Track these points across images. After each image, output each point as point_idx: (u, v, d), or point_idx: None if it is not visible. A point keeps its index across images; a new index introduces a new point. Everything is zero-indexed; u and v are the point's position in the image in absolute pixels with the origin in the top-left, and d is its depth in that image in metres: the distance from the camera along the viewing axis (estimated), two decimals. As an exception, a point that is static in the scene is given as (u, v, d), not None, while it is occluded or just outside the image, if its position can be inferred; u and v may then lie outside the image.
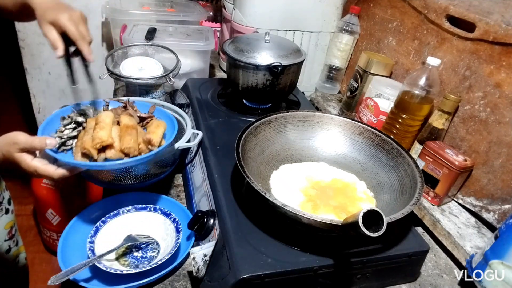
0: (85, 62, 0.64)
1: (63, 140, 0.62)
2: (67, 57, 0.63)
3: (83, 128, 0.66)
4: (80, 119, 0.67)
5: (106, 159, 0.60)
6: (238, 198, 0.64)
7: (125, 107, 0.73)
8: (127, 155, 0.61)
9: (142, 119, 0.71)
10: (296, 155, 0.75)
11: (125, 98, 0.77)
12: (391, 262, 0.59)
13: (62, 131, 0.64)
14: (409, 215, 0.54)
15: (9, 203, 0.88)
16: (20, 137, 0.54)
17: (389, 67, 1.00)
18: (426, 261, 0.68)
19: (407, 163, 0.66)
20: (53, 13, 0.60)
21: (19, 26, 1.41)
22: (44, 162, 0.56)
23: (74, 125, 0.66)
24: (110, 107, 0.74)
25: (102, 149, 0.60)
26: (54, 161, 0.57)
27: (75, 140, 0.65)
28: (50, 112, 0.91)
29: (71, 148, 0.64)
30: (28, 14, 0.64)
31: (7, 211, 0.87)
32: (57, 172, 0.56)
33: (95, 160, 0.60)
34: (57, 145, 0.61)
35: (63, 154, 0.62)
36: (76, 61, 0.65)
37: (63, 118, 0.66)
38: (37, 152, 0.57)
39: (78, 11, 0.63)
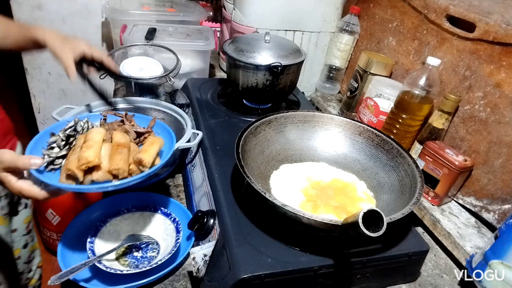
0: (112, 75, 0.77)
1: (51, 159, 0.56)
2: (85, 76, 0.72)
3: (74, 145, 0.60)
4: (71, 136, 0.61)
5: (93, 181, 0.55)
6: (238, 198, 0.64)
7: (122, 121, 0.68)
8: (115, 176, 0.56)
9: (139, 135, 0.66)
10: (296, 155, 0.75)
11: (123, 111, 0.72)
12: (391, 262, 0.59)
13: (52, 148, 0.59)
14: (409, 215, 0.54)
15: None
16: (5, 156, 0.50)
17: (389, 67, 1.00)
18: (426, 261, 0.68)
19: (407, 163, 0.66)
20: (71, 43, 0.68)
21: (19, 26, 1.41)
22: (29, 183, 0.53)
23: (63, 143, 0.60)
24: (107, 121, 0.68)
25: (89, 169, 0.54)
26: (42, 181, 0.53)
27: (65, 159, 0.58)
28: (50, 112, 0.91)
29: (60, 167, 0.57)
30: (29, 48, 0.72)
31: (26, 206, 0.88)
32: (41, 194, 0.53)
33: (82, 182, 0.54)
34: (45, 164, 0.56)
35: (50, 173, 0.56)
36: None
37: (52, 135, 0.60)
38: (25, 171, 0.54)
39: (85, 40, 0.73)
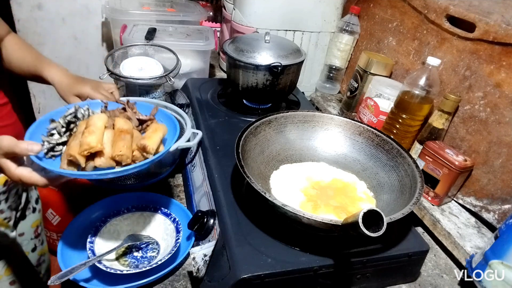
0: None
1: (51, 145, 0.55)
2: None
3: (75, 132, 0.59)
4: (71, 122, 0.59)
5: (95, 168, 0.54)
6: (238, 198, 0.64)
7: (124, 108, 0.66)
8: (118, 163, 0.54)
9: (141, 122, 0.65)
10: (296, 155, 0.75)
11: (125, 99, 0.71)
12: (391, 262, 0.59)
13: (52, 135, 0.57)
14: (409, 215, 0.54)
15: (36, 202, 0.89)
16: (4, 141, 0.49)
17: (389, 67, 1.00)
18: (426, 261, 0.68)
19: (407, 163, 0.66)
20: (76, 87, 0.70)
21: (19, 26, 1.41)
22: (29, 169, 0.51)
23: (63, 129, 0.58)
24: (108, 109, 0.67)
25: (92, 155, 0.53)
26: (43, 168, 0.52)
27: (66, 145, 0.57)
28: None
29: (60, 154, 0.56)
30: (38, 80, 0.75)
31: (34, 210, 0.87)
32: (42, 180, 0.52)
33: (84, 168, 0.53)
34: (45, 150, 0.54)
35: (51, 160, 0.55)
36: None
37: (52, 121, 0.59)
38: (25, 158, 0.53)
39: (92, 80, 0.74)
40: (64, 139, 0.57)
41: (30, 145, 0.51)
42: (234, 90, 0.96)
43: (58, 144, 0.56)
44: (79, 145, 0.53)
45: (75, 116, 0.60)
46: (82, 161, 0.52)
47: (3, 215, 0.78)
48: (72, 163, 0.53)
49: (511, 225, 0.56)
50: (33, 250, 0.88)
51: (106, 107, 0.67)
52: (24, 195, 0.84)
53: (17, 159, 0.51)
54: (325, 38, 1.20)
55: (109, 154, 0.54)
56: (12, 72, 0.76)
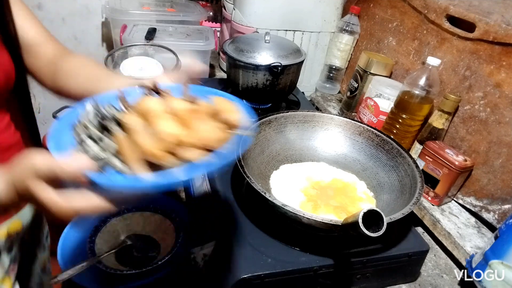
0: None
1: (104, 159, 0.37)
2: None
3: (110, 132, 0.40)
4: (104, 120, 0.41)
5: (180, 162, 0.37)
6: (238, 198, 0.64)
7: (153, 92, 0.45)
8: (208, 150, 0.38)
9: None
10: (296, 155, 0.75)
11: (150, 82, 0.46)
12: (391, 262, 0.59)
13: (82, 141, 0.39)
14: (409, 215, 0.54)
15: (46, 239, 0.80)
16: (38, 161, 0.34)
17: (389, 67, 1.00)
18: (426, 261, 0.68)
19: (407, 163, 0.66)
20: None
21: (19, 26, 1.41)
22: (79, 193, 0.35)
23: (98, 133, 0.40)
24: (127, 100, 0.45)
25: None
26: (94, 185, 0.35)
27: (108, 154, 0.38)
28: (50, 112, 0.90)
29: (108, 163, 0.37)
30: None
31: (44, 248, 0.79)
32: (106, 204, 0.36)
33: (159, 168, 0.36)
34: (100, 167, 0.36)
35: (98, 176, 0.35)
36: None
37: (76, 127, 0.40)
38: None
39: None
40: (110, 143, 0.39)
41: (80, 162, 0.34)
42: (234, 90, 0.96)
43: (114, 155, 0.38)
44: (154, 140, 0.36)
45: (101, 115, 0.42)
46: (169, 158, 0.37)
47: (2, 269, 0.64)
48: (147, 165, 0.37)
49: (511, 225, 0.56)
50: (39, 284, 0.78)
51: (123, 97, 0.44)
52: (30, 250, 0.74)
53: (54, 182, 0.35)
54: (325, 38, 1.20)
55: (199, 142, 0.38)
56: (68, 95, 0.61)
